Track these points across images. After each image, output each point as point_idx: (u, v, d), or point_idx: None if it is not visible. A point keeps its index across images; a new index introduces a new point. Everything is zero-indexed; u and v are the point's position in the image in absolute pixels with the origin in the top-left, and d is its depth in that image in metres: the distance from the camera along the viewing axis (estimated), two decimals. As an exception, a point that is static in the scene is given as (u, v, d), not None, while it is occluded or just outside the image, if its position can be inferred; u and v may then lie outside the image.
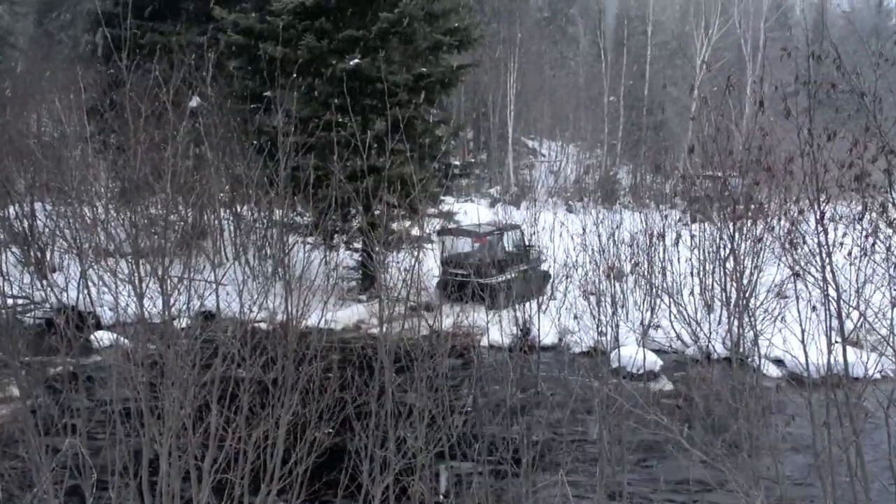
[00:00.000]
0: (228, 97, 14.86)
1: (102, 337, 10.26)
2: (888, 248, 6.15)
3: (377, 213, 13.25)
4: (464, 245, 14.85)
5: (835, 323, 5.88)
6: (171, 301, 7.55)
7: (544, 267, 15.40)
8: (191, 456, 5.55)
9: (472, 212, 18.59)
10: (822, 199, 6.12)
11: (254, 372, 6.20)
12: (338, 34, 14.85)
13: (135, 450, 5.81)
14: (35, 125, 15.51)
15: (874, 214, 6.67)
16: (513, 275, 13.86)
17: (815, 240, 5.98)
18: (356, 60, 14.61)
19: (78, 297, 11.01)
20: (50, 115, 15.82)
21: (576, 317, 12.19)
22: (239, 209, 13.83)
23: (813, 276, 6.09)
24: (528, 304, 12.63)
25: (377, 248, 11.43)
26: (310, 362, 6.49)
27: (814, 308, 6.43)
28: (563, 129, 38.95)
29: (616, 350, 10.93)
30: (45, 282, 12.24)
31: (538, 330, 12.53)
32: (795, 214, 7.52)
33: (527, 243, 15.50)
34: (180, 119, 13.31)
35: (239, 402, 5.72)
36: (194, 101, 13.86)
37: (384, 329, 7.34)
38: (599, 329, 10.04)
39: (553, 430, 8.88)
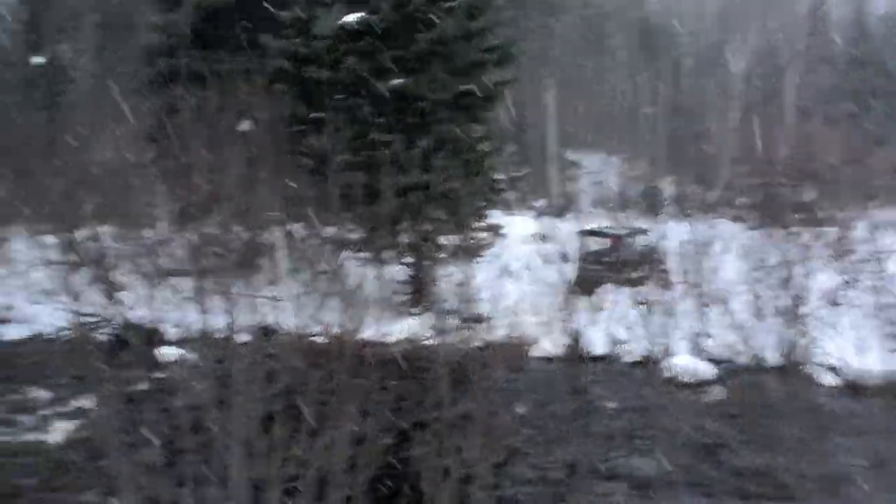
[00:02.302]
0: (278, 120, 15.27)
1: (168, 352, 10.63)
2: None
3: (425, 228, 13.52)
4: (600, 244, 16.58)
5: (891, 329, 5.88)
6: (234, 317, 7.79)
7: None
8: (259, 469, 5.75)
9: (518, 225, 18.83)
10: (871, 206, 6.12)
11: (314, 385, 6.40)
12: (379, 55, 15.17)
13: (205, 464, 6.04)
14: (100, 154, 16.19)
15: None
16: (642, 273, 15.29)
17: (867, 247, 6.00)
18: (398, 80, 14.90)
19: (144, 315, 11.47)
20: (112, 144, 16.52)
21: (628, 327, 12.26)
22: (293, 227, 14.19)
23: (865, 283, 6.09)
24: (579, 314, 12.76)
25: (426, 262, 11.68)
26: (367, 375, 6.67)
27: (868, 314, 6.43)
28: (605, 141, 38.89)
29: (668, 359, 10.96)
30: (113, 300, 12.78)
31: (588, 340, 12.59)
32: (845, 221, 7.55)
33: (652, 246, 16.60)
34: (233, 143, 13.79)
35: (302, 414, 5.94)
36: (246, 125, 14.29)
37: (438, 341, 7.48)
38: (651, 338, 10.11)
39: (606, 439, 8.94)
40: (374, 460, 6.06)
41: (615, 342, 12.80)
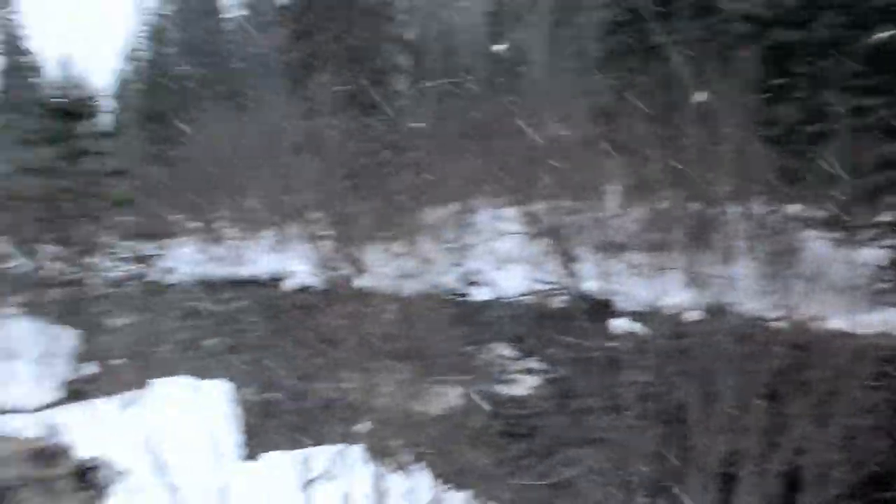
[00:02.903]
0: (737, 89, 14.45)
1: (619, 324, 10.70)
2: None
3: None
4: None
5: None
6: (686, 294, 7.49)
7: None
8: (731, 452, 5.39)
9: None
10: None
11: (787, 373, 5.80)
12: (860, 6, 13.31)
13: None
14: (556, 131, 17.29)
15: None
16: None
17: None
18: (885, 34, 12.85)
19: (596, 286, 11.83)
20: (567, 121, 17.48)
21: None
22: (751, 203, 13.32)
23: None
24: None
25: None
26: (843, 368, 5.84)
27: None
28: None
29: None
30: (568, 270, 13.58)
31: None
32: None
33: None
34: (689, 115, 13.36)
35: (773, 403, 5.40)
36: (702, 96, 13.78)
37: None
38: None
39: None
40: (866, 463, 5.28)
41: None
